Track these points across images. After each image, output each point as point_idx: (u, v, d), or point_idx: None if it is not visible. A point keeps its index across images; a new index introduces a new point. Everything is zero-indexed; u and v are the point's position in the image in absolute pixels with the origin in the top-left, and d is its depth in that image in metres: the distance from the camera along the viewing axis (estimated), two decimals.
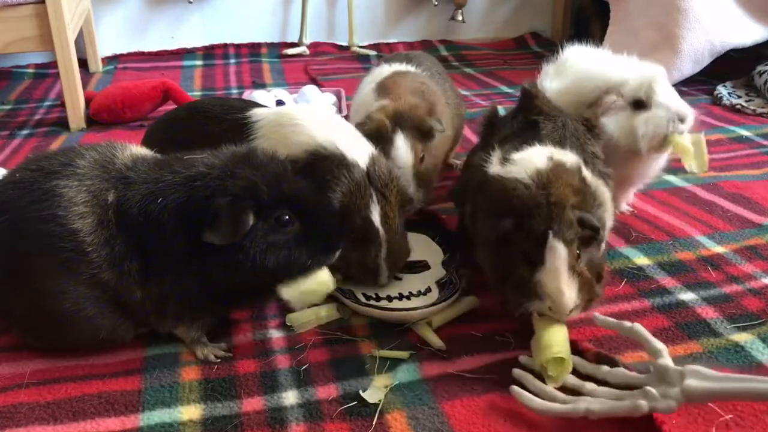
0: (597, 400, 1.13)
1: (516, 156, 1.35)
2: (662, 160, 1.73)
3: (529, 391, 1.18)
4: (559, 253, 1.20)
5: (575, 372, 1.24)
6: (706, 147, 1.65)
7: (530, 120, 1.48)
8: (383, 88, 1.81)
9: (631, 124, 1.62)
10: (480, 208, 1.38)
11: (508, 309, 1.30)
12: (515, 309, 1.27)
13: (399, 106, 1.69)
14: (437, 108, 1.79)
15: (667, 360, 1.14)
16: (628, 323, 1.23)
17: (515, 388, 1.18)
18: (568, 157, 1.36)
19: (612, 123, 1.63)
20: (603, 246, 1.34)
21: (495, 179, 1.34)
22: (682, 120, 1.60)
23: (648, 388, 1.09)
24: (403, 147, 1.64)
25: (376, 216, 1.43)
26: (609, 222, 1.39)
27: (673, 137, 1.60)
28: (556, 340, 1.22)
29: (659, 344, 1.17)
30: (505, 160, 1.37)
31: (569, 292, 1.20)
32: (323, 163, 1.43)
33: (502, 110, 1.71)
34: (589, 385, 1.19)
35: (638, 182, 1.81)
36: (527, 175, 1.28)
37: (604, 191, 1.37)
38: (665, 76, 1.64)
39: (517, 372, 1.24)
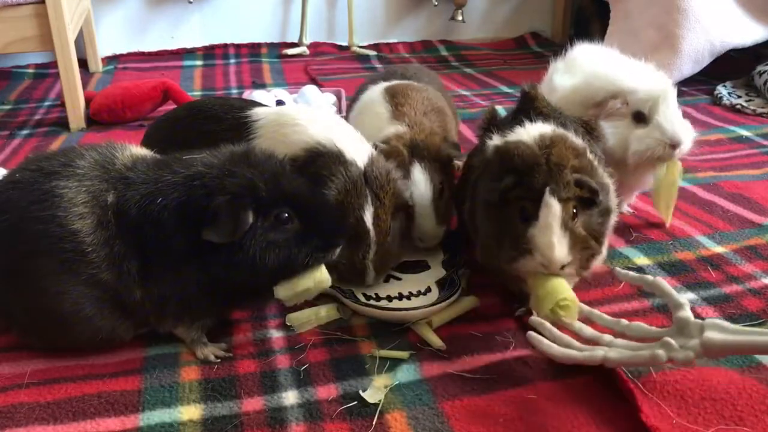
0: (614, 350, 1.14)
1: (518, 129, 1.37)
2: (654, 173, 1.74)
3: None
4: (553, 209, 1.22)
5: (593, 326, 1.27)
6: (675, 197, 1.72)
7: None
8: (394, 97, 1.77)
9: (627, 135, 1.63)
10: (482, 177, 1.39)
11: (501, 268, 1.32)
12: (508, 265, 1.28)
13: (415, 135, 1.62)
14: (446, 122, 1.77)
15: (687, 313, 1.14)
16: (650, 277, 1.25)
17: (533, 334, 1.19)
18: (574, 137, 1.37)
19: (610, 129, 1.63)
20: (611, 220, 1.35)
21: (497, 147, 1.36)
22: (674, 146, 1.60)
23: (667, 338, 1.09)
24: (421, 180, 1.56)
25: (368, 217, 1.42)
26: (613, 216, 1.39)
27: (661, 167, 1.65)
28: (558, 287, 1.24)
29: (681, 298, 1.18)
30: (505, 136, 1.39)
31: (560, 247, 1.22)
32: (320, 160, 1.43)
33: (501, 110, 1.71)
34: (607, 337, 1.21)
35: (633, 189, 1.82)
36: (530, 138, 1.31)
37: (608, 182, 1.37)
38: (674, 94, 1.64)
39: (534, 319, 1.25)
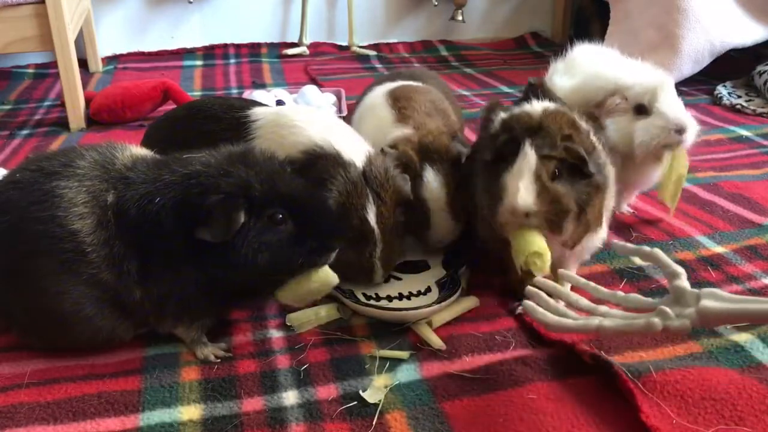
0: (609, 319, 1.14)
1: (524, 104, 1.43)
2: (661, 167, 1.73)
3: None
4: (527, 158, 1.28)
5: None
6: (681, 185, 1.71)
7: None
8: (397, 100, 1.76)
9: (630, 129, 1.62)
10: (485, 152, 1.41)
11: (497, 245, 1.38)
12: (493, 220, 1.33)
13: (422, 137, 1.61)
14: (450, 123, 1.77)
15: (684, 283, 1.14)
16: (647, 248, 1.25)
17: (528, 303, 1.20)
18: (578, 118, 1.41)
19: (612, 125, 1.63)
20: (603, 198, 1.37)
21: (503, 119, 1.41)
22: (680, 131, 1.59)
23: (662, 307, 1.08)
24: (434, 183, 1.55)
25: (372, 216, 1.43)
26: (609, 196, 1.42)
27: (667, 157, 1.65)
28: (532, 240, 1.29)
29: (678, 268, 1.18)
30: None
31: (524, 193, 1.26)
32: (319, 162, 1.43)
33: None
34: (603, 308, 1.21)
35: (637, 187, 1.82)
36: (534, 110, 1.38)
37: (606, 162, 1.40)
38: (672, 84, 1.64)
39: (530, 290, 1.27)
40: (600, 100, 1.65)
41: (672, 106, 1.61)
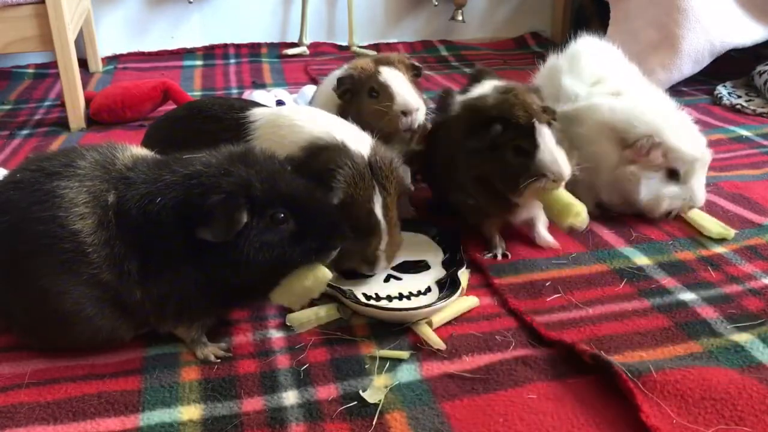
0: None
1: (475, 88, 1.68)
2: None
3: None
4: (546, 134, 1.49)
5: None
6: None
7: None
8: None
9: (659, 191, 1.74)
10: (453, 131, 1.60)
11: (506, 198, 1.56)
12: (516, 191, 1.50)
13: (380, 58, 1.87)
14: None
15: None
16: None
17: None
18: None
19: (645, 179, 1.73)
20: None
21: (463, 102, 1.64)
22: (690, 207, 1.78)
23: None
24: (397, 78, 1.75)
25: (378, 208, 1.43)
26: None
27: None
28: (568, 201, 1.51)
29: None
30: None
31: (564, 162, 1.48)
32: (324, 154, 1.42)
33: None
34: None
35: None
36: (487, 91, 1.61)
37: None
38: (708, 161, 1.77)
39: None
40: (633, 144, 1.71)
41: (702, 187, 1.76)
